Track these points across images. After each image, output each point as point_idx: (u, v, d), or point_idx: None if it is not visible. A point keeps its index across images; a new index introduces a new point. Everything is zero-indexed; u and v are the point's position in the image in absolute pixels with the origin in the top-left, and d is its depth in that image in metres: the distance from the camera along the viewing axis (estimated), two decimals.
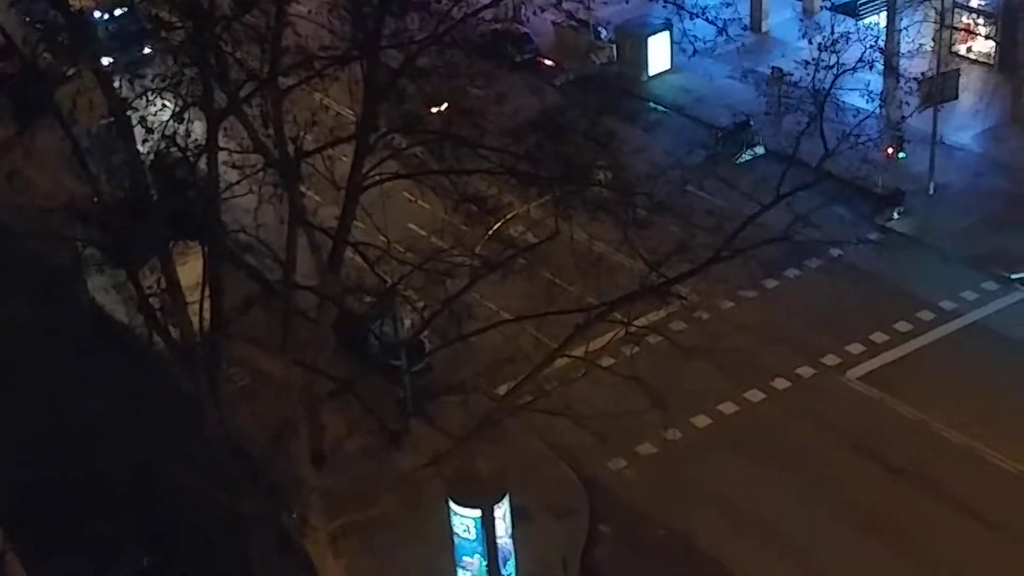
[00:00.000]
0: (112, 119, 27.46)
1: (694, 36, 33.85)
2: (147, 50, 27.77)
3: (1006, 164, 53.23)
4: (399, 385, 39.06)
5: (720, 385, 42.27)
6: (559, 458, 40.15)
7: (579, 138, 27.19)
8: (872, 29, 48.24)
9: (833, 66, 29.16)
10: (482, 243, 30.11)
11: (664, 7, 36.40)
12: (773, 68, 53.27)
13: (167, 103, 27.81)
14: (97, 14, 29.16)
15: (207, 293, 28.33)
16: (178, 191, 28.17)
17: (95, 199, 27.93)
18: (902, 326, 45.00)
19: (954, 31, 58.75)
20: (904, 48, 55.61)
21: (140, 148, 27.90)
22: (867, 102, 37.09)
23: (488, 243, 30.08)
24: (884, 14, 59.25)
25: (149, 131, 27.55)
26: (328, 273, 28.35)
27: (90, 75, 26.89)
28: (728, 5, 35.66)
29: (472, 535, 33.75)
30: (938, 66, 50.98)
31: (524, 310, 30.55)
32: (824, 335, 44.70)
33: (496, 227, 30.04)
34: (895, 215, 50.61)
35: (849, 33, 32.02)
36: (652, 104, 60.84)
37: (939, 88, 50.26)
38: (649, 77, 62.53)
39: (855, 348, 44.15)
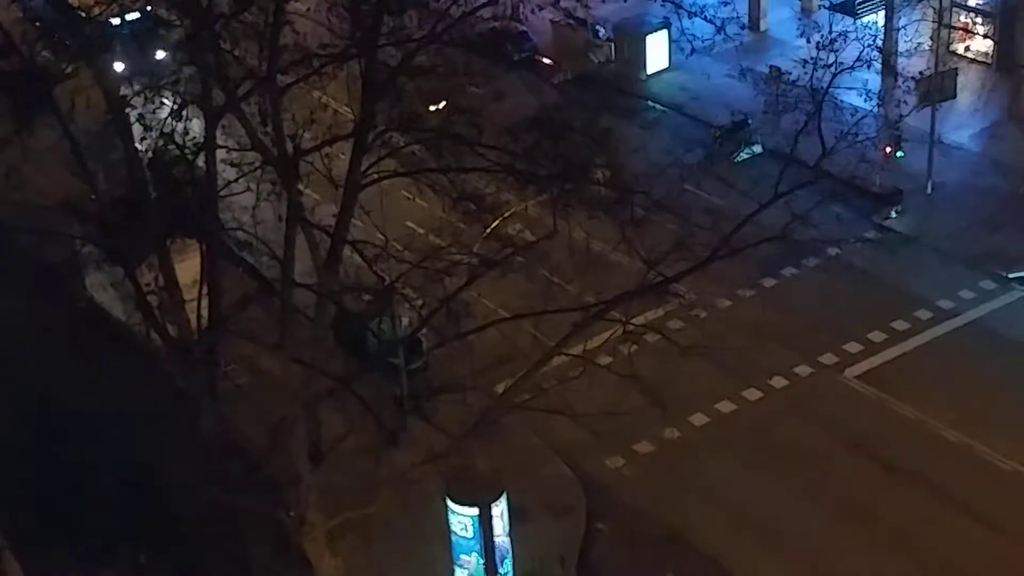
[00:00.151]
0: (110, 117, 27.45)
1: (692, 35, 33.80)
2: (160, 55, 27.57)
3: (1004, 163, 53.25)
4: (397, 383, 39.06)
5: (718, 384, 42.31)
6: (557, 456, 40.18)
7: (577, 137, 27.15)
8: (870, 28, 48.24)
9: (831, 65, 29.14)
10: (480, 241, 30.07)
11: (662, 6, 36.31)
12: (771, 67, 53.31)
13: (165, 101, 27.80)
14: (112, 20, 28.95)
15: (205, 291, 28.32)
16: (176, 189, 28.17)
17: (93, 197, 27.94)
18: (900, 325, 45.04)
19: (952, 30, 58.81)
20: (902, 47, 55.60)
21: (138, 146, 27.88)
22: (865, 101, 37.07)
23: (486, 241, 30.02)
24: (882, 13, 59.29)
25: (147, 129, 27.55)
26: (326, 271, 28.32)
27: (88, 73, 26.87)
28: (726, 4, 35.53)
29: (470, 533, 33.78)
30: (936, 65, 51.03)
31: (522, 308, 30.53)
32: (822, 334, 44.73)
33: (494, 225, 29.98)
34: (893, 214, 50.66)
35: (847, 32, 31.98)
36: (650, 103, 60.90)
37: (937, 87, 50.30)
38: (647, 76, 62.59)
39: (853, 347, 44.19)
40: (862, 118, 31.19)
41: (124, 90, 27.62)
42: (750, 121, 52.93)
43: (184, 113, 27.43)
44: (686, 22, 32.66)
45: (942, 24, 53.24)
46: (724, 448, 40.40)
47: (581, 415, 31.42)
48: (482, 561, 34.09)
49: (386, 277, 30.26)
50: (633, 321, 29.34)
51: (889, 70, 53.84)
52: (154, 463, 34.18)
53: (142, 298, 28.25)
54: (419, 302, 30.24)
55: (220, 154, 28.13)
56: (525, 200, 32.74)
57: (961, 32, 60.42)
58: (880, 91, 49.62)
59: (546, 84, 55.13)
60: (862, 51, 31.96)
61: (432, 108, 28.26)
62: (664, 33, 61.77)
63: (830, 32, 30.51)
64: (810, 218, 29.15)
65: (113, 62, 29.21)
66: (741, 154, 53.68)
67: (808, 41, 30.21)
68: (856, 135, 30.12)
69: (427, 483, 31.99)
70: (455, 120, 27.33)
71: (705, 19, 33.04)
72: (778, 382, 42.96)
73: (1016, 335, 44.11)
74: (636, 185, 28.59)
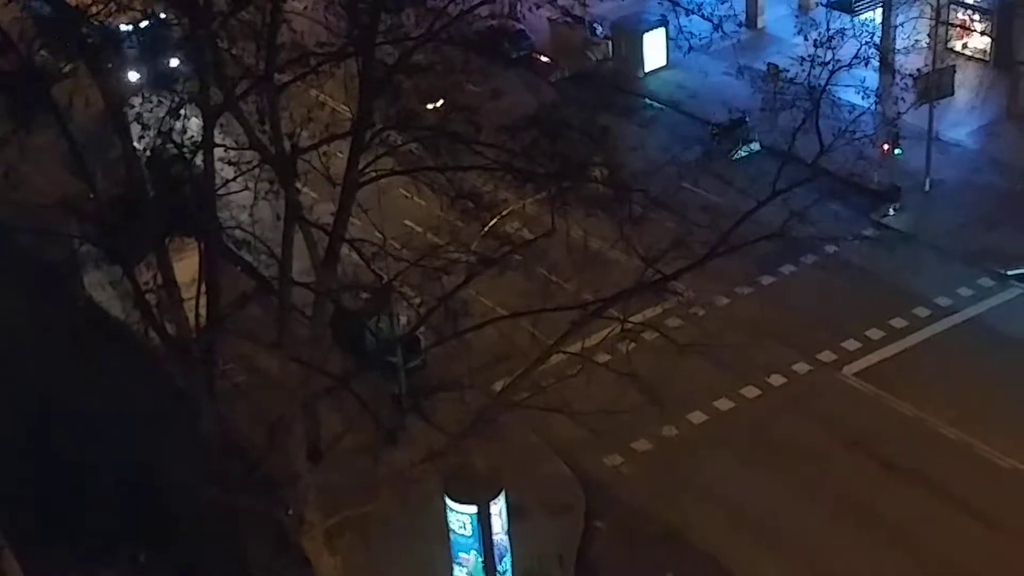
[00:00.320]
0: (108, 116, 27.44)
1: (690, 32, 33.80)
2: (175, 63, 27.50)
3: (1002, 160, 53.29)
4: (395, 382, 39.07)
5: (716, 381, 42.32)
6: (555, 455, 40.19)
7: (575, 134, 27.13)
8: (868, 25, 48.37)
9: (829, 62, 29.14)
10: (478, 239, 30.04)
11: (660, 3, 36.38)
12: (769, 64, 53.37)
13: (163, 99, 27.79)
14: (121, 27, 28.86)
15: (203, 290, 28.31)
16: (174, 188, 28.15)
17: (91, 196, 27.91)
18: (898, 322, 45.07)
19: (950, 27, 58.81)
20: (900, 44, 55.61)
21: (136, 145, 27.87)
22: (863, 98, 37.05)
23: (484, 239, 29.99)
24: (880, 10, 59.35)
25: (145, 128, 27.55)
26: (324, 269, 28.31)
27: (86, 72, 26.87)
28: (723, 1, 35.59)
29: (468, 531, 33.78)
30: (934, 62, 51.06)
31: (520, 307, 30.50)
32: (820, 331, 44.75)
33: (492, 223, 29.93)
34: (891, 211, 50.69)
35: (845, 29, 31.98)
36: (648, 100, 60.90)
37: (935, 84, 50.33)
38: (645, 73, 62.64)
39: (851, 344, 44.20)
40: (860, 115, 31.16)
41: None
42: (748, 119, 52.88)
43: (182, 112, 27.42)
44: (683, 20, 32.62)
45: (940, 21, 53.25)
46: (722, 446, 40.41)
47: (579, 413, 31.45)
48: (481, 559, 34.09)
49: (384, 275, 30.25)
50: (631, 319, 29.33)
51: (887, 67, 53.81)
52: (154, 463, 34.20)
53: (140, 297, 28.24)
54: (417, 300, 30.24)
55: (218, 153, 28.12)
56: (523, 198, 32.66)
57: (959, 29, 60.46)
58: (878, 88, 49.75)
59: (544, 82, 54.99)
60: (860, 48, 31.97)
61: (430, 106, 28.22)
62: (661, 31, 61.83)
63: (828, 29, 30.56)
64: (808, 216, 29.17)
65: (126, 71, 29.24)
66: (739, 152, 53.74)
67: (806, 38, 30.22)
68: (854, 132, 30.10)
69: (426, 482, 31.97)
70: (453, 118, 27.30)
71: (702, 17, 33.04)
72: (776, 380, 42.97)
73: (1014, 332, 44.12)
74: (634, 183, 28.60)
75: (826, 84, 28.96)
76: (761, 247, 29.66)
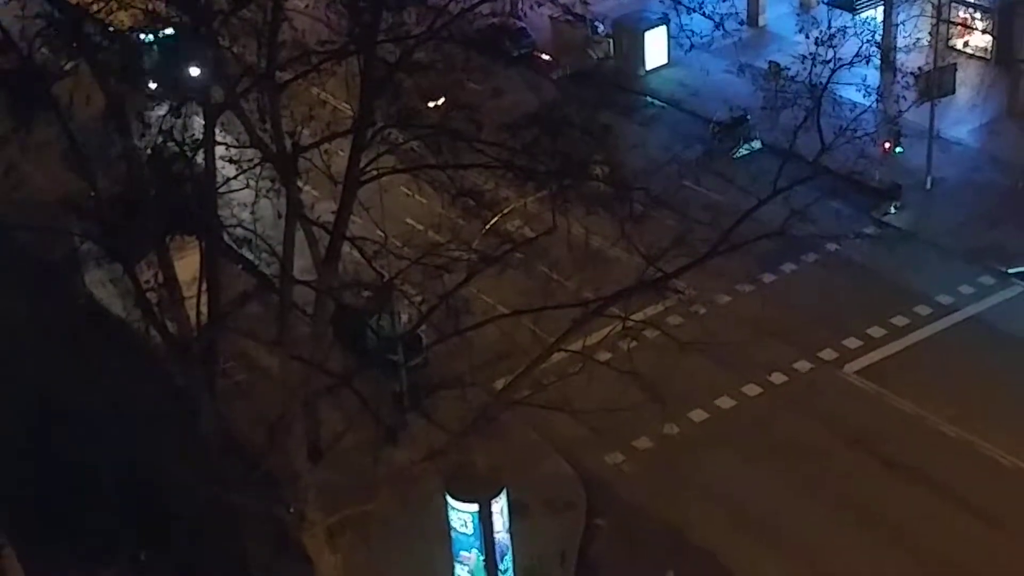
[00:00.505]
0: (109, 114, 27.41)
1: (691, 31, 33.79)
2: (195, 72, 27.43)
3: (1003, 158, 53.28)
4: (396, 380, 39.07)
5: (717, 379, 42.30)
6: (556, 453, 40.19)
7: (576, 133, 27.12)
8: (869, 24, 48.40)
9: (830, 61, 29.16)
10: (479, 237, 30.05)
11: (661, 2, 36.30)
12: (770, 63, 53.28)
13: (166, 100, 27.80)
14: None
15: (204, 288, 28.30)
16: (175, 186, 28.12)
17: (92, 194, 27.89)
18: (899, 320, 45.05)
19: (951, 26, 58.83)
20: (901, 43, 55.64)
21: (137, 143, 27.85)
22: (864, 97, 37.08)
23: (485, 237, 30.00)
24: (881, 9, 59.34)
25: (146, 126, 27.54)
26: (325, 267, 28.30)
27: (88, 70, 26.85)
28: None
29: (469, 530, 33.76)
30: (935, 61, 51.01)
31: (521, 305, 30.50)
32: (821, 329, 44.74)
33: (493, 222, 29.95)
34: (892, 210, 50.68)
35: (846, 28, 31.98)
36: (649, 99, 60.88)
37: (936, 83, 50.29)
38: (646, 72, 62.63)
39: (852, 342, 44.19)
40: (861, 114, 31.14)
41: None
42: (749, 117, 53.01)
43: (183, 110, 27.40)
44: (685, 18, 32.61)
45: (941, 20, 53.23)
46: (723, 444, 40.41)
47: (580, 411, 31.46)
48: (482, 557, 34.08)
49: (385, 273, 30.25)
50: (632, 317, 29.33)
51: (888, 66, 53.98)
52: (154, 463, 34.15)
53: (141, 295, 28.22)
54: (418, 298, 30.27)
55: (219, 151, 28.13)
56: (524, 196, 32.69)
57: (960, 28, 60.48)
58: (879, 87, 49.80)
59: (545, 80, 55.19)
60: (861, 47, 31.98)
61: (431, 104, 28.23)
62: (663, 29, 61.84)
63: (829, 28, 30.54)
64: (809, 214, 29.16)
65: (147, 81, 29.26)
66: (740, 150, 53.76)
67: (807, 37, 30.23)
68: (855, 131, 30.10)
69: (426, 480, 31.97)
70: (454, 116, 27.31)
71: (704, 15, 33.05)
72: (777, 378, 42.95)
73: (1015, 330, 44.11)
74: (635, 181, 28.59)
75: (827, 82, 28.97)
76: (762, 245, 29.65)
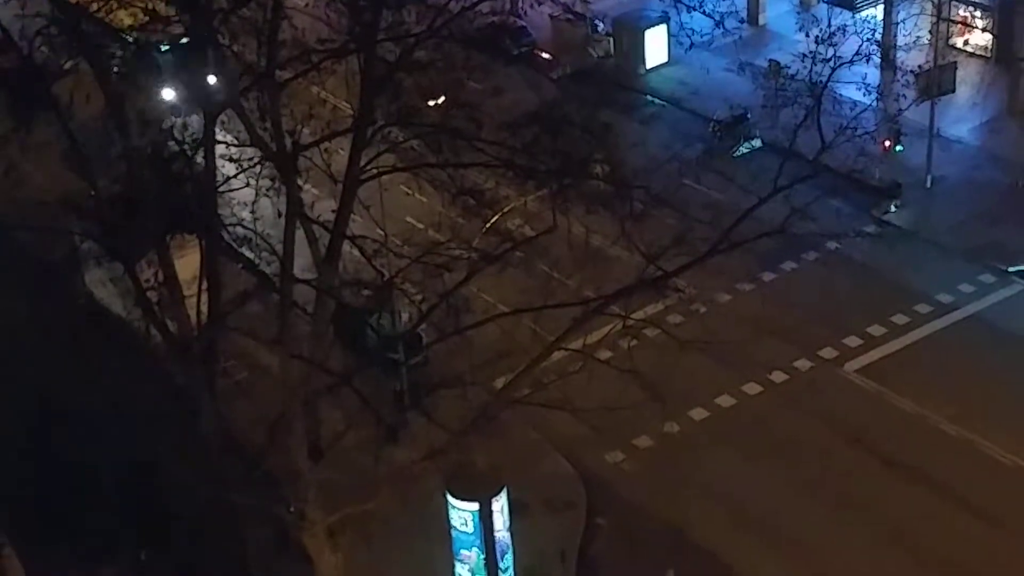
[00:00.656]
0: (109, 113, 27.41)
1: (691, 29, 33.80)
2: (213, 80, 27.39)
3: (1003, 157, 53.26)
4: (396, 379, 39.07)
5: (717, 378, 42.29)
6: (556, 451, 40.18)
7: (576, 131, 27.12)
8: (869, 22, 48.34)
9: (830, 59, 29.15)
10: (480, 236, 30.04)
11: (661, 0, 36.33)
12: (770, 61, 53.31)
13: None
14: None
15: (204, 287, 28.30)
16: (175, 185, 28.11)
17: (92, 193, 27.88)
18: (899, 319, 45.04)
19: (951, 24, 58.79)
20: (901, 41, 55.65)
21: (137, 142, 27.84)
22: (864, 95, 37.12)
23: (485, 236, 29.99)
24: (881, 7, 59.32)
25: (146, 125, 27.52)
26: (325, 266, 28.29)
27: (88, 69, 26.85)
28: None
29: (470, 528, 33.76)
30: (935, 59, 50.98)
31: (522, 303, 30.49)
32: (821, 328, 44.73)
33: (494, 220, 29.94)
34: (892, 208, 50.66)
35: (846, 26, 32.02)
36: (649, 97, 60.88)
37: (936, 81, 50.26)
38: (646, 70, 62.59)
39: (852, 341, 44.18)
40: (861, 112, 31.15)
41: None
42: (749, 115, 52.98)
43: (183, 109, 27.40)
44: (685, 16, 32.63)
45: (941, 18, 53.18)
46: (724, 442, 40.40)
47: (581, 410, 31.47)
48: (482, 556, 34.08)
49: (385, 272, 30.24)
50: (633, 316, 29.35)
51: (888, 64, 53.96)
52: (154, 462, 34.15)
53: (141, 294, 28.22)
54: (418, 297, 30.24)
55: (219, 150, 28.11)
56: (524, 195, 32.70)
57: (960, 26, 60.44)
58: (879, 85, 49.79)
59: (545, 79, 55.14)
60: (861, 45, 31.98)
61: (431, 103, 28.22)
62: (663, 27, 61.80)
63: (829, 26, 30.55)
64: (809, 212, 29.16)
65: (162, 89, 29.19)
66: (740, 148, 53.75)
67: (807, 35, 30.25)
68: (855, 129, 30.10)
69: (427, 479, 31.97)
70: (454, 115, 27.32)
71: (704, 13, 33.04)
72: (777, 376, 42.94)
73: (1016, 329, 44.09)
74: (635, 180, 28.58)
75: (827, 81, 28.97)
76: (762, 244, 29.62)
